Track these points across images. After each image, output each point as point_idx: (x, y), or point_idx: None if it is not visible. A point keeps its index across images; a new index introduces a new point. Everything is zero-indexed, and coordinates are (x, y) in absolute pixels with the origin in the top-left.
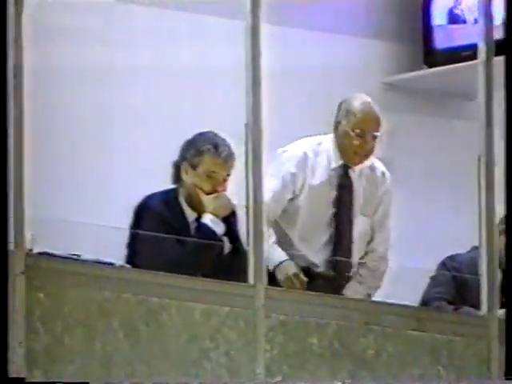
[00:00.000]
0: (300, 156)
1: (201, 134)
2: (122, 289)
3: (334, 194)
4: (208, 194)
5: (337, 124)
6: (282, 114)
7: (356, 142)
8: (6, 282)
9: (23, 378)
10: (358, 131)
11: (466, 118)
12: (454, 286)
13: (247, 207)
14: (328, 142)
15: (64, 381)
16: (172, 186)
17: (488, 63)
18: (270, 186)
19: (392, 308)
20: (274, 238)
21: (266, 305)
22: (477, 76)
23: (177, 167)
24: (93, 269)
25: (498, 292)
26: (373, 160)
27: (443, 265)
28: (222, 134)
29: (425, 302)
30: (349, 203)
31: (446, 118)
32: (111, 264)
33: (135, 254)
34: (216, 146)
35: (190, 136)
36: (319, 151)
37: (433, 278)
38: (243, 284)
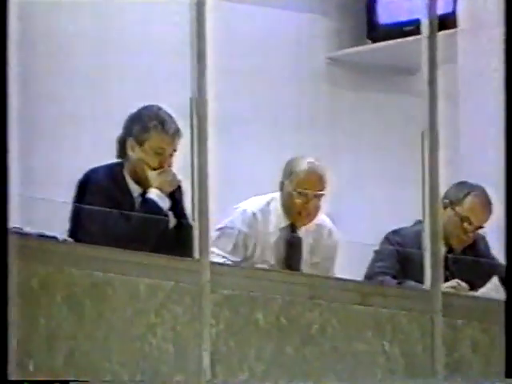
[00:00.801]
0: (250, 217)
1: (145, 109)
2: (65, 263)
3: (283, 253)
4: (154, 169)
5: (281, 185)
6: (227, 88)
7: (298, 201)
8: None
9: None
10: (300, 190)
11: (409, 93)
12: (397, 260)
13: (192, 182)
14: (277, 200)
15: (6, 357)
16: (117, 161)
17: (431, 38)
18: (221, 245)
19: (337, 282)
20: None
21: (211, 280)
22: (420, 51)
23: (122, 142)
24: (35, 242)
25: (441, 266)
26: (320, 217)
27: (387, 239)
28: (168, 108)
29: (369, 276)
30: (297, 262)
31: (389, 93)
32: (54, 238)
33: (79, 228)
34: (163, 123)
35: (134, 110)
36: (269, 210)
37: (377, 253)
38: (189, 259)
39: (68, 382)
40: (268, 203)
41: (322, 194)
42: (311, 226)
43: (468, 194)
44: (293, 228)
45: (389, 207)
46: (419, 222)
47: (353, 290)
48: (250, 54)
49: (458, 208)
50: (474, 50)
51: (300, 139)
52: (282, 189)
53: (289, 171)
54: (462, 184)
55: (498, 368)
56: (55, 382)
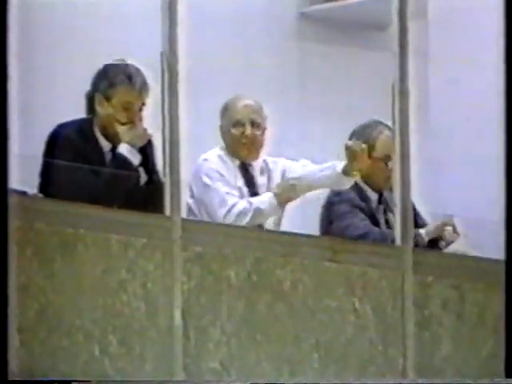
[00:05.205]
0: (220, 162)
1: (112, 64)
2: (35, 218)
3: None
4: (123, 124)
5: (222, 129)
6: (198, 43)
7: (236, 132)
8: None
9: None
10: (234, 121)
11: (378, 49)
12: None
13: (163, 138)
14: (219, 151)
15: None
16: (86, 116)
17: None
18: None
19: (308, 239)
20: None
21: (182, 237)
22: (390, 6)
23: (90, 98)
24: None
25: (411, 222)
26: (265, 157)
27: (335, 202)
28: (135, 63)
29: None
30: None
31: (360, 49)
32: (24, 193)
33: (49, 184)
34: (129, 77)
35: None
36: (223, 157)
37: (341, 212)
38: (160, 216)
39: (68, 382)
40: (219, 157)
41: (259, 124)
42: (260, 165)
43: (374, 136)
44: (245, 167)
45: None
46: None
47: (324, 246)
48: (221, 8)
49: (375, 154)
50: (444, 5)
51: (270, 94)
52: (225, 133)
53: (223, 110)
54: (361, 131)
55: (468, 325)
56: (55, 381)
